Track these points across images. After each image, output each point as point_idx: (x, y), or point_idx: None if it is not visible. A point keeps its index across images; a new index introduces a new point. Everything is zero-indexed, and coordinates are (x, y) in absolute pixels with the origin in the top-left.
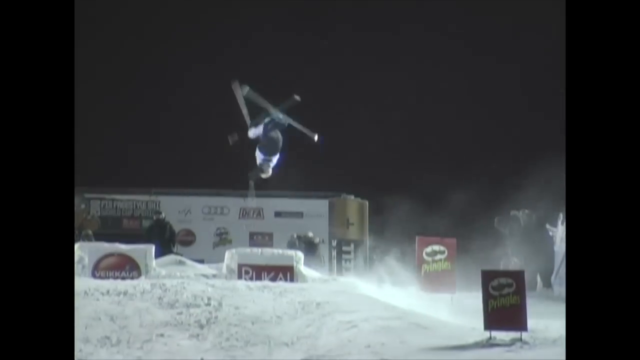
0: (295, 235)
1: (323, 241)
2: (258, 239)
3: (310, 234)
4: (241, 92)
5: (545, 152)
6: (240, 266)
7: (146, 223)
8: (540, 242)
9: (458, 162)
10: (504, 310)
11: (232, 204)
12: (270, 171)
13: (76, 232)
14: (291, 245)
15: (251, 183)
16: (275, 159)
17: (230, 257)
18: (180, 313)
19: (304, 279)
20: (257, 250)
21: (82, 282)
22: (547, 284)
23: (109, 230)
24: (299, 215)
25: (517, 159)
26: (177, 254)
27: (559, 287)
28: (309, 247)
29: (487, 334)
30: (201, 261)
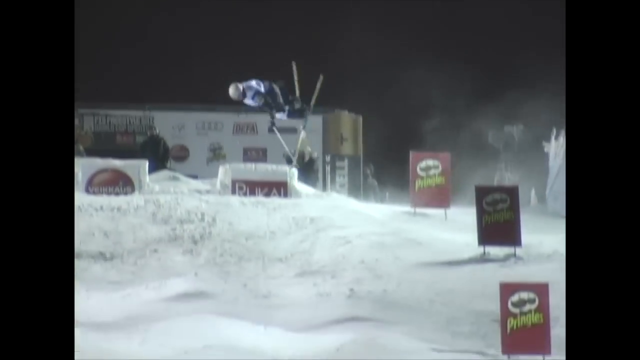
0: (289, 151)
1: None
2: (252, 154)
3: (309, 148)
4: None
5: (543, 68)
6: (234, 182)
7: (140, 139)
8: (534, 157)
9: (452, 76)
10: (498, 225)
11: (226, 119)
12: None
13: None
14: (288, 161)
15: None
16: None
17: (224, 172)
18: (174, 229)
19: (297, 194)
20: (251, 166)
21: (76, 198)
22: (541, 199)
23: (103, 146)
24: (293, 130)
25: (514, 74)
26: (170, 169)
27: (553, 203)
28: (307, 163)
29: (481, 249)
30: (195, 177)
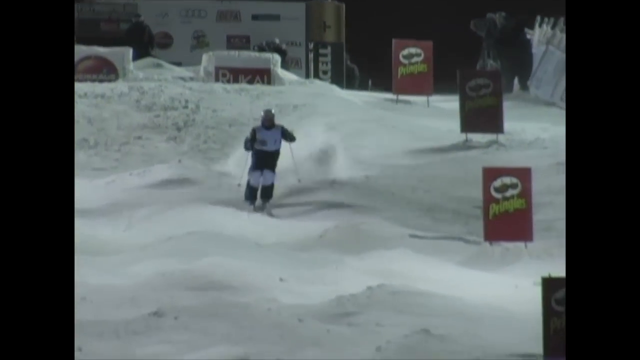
0: (264, 43)
1: (296, 44)
2: (235, 41)
3: (277, 41)
4: None
5: None
6: (217, 69)
7: (124, 26)
8: (517, 44)
9: None
10: (481, 111)
11: (210, 6)
12: None
13: None
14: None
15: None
16: None
17: (208, 59)
18: (157, 116)
19: (281, 81)
20: (234, 53)
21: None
22: (524, 86)
23: (87, 34)
24: (276, 18)
25: None
26: (154, 56)
27: (536, 90)
28: (278, 54)
29: (463, 136)
30: (179, 64)
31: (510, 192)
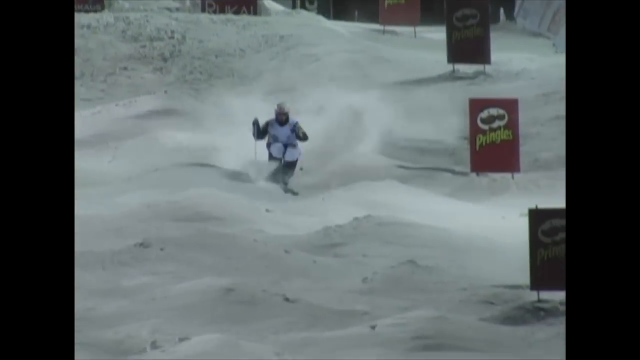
0: None
1: None
2: None
3: None
4: None
5: None
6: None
7: None
8: None
9: None
10: (468, 42)
11: None
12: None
13: None
14: None
15: None
16: None
17: None
18: (143, 46)
19: (267, 12)
20: None
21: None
22: (510, 16)
23: None
24: None
25: None
26: None
27: (523, 20)
28: None
29: (450, 67)
30: None
31: (497, 124)
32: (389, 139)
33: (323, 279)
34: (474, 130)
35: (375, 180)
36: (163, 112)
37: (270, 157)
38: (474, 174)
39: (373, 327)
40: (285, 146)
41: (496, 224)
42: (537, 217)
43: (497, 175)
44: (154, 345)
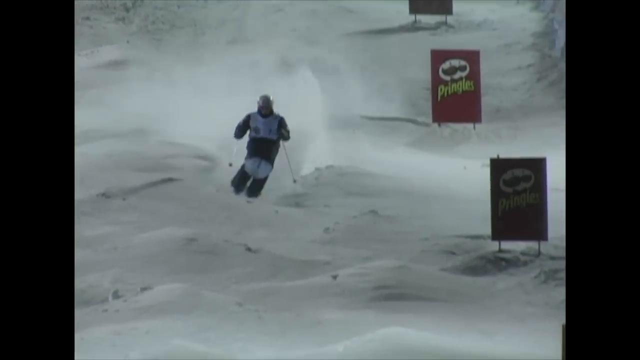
0: None
1: None
2: None
3: None
4: None
5: None
6: None
7: None
8: None
9: None
10: None
11: None
12: None
13: None
14: None
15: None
16: None
17: None
18: None
19: None
20: None
21: None
22: None
23: None
24: None
25: None
26: None
27: None
28: None
29: (412, 17)
30: None
31: (458, 75)
32: (350, 90)
33: (285, 229)
34: (436, 81)
35: (338, 130)
36: (126, 62)
37: (242, 170)
38: (435, 125)
39: (334, 277)
40: (260, 161)
41: (458, 174)
42: (498, 167)
43: (459, 126)
44: (116, 295)
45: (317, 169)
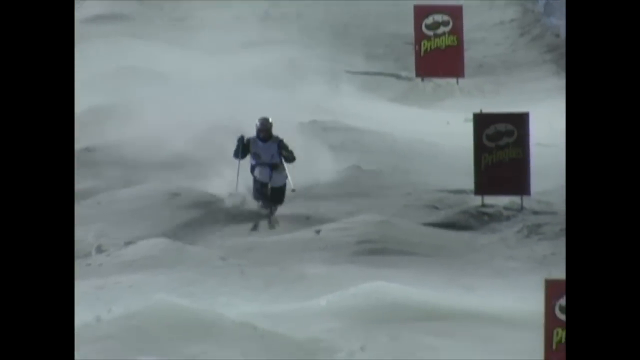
0: None
1: None
2: None
3: None
4: None
5: None
6: None
7: None
8: None
9: None
10: None
11: None
12: None
13: None
14: None
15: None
16: None
17: None
18: None
19: None
20: None
21: None
22: None
23: None
24: None
25: None
26: None
27: None
28: None
29: None
30: None
31: (441, 29)
32: (333, 45)
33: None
34: (419, 36)
35: (321, 84)
36: (108, 17)
37: (255, 181)
38: (418, 79)
39: (318, 232)
40: (271, 169)
41: (441, 129)
42: (481, 121)
43: (442, 81)
44: (100, 249)
45: (300, 124)
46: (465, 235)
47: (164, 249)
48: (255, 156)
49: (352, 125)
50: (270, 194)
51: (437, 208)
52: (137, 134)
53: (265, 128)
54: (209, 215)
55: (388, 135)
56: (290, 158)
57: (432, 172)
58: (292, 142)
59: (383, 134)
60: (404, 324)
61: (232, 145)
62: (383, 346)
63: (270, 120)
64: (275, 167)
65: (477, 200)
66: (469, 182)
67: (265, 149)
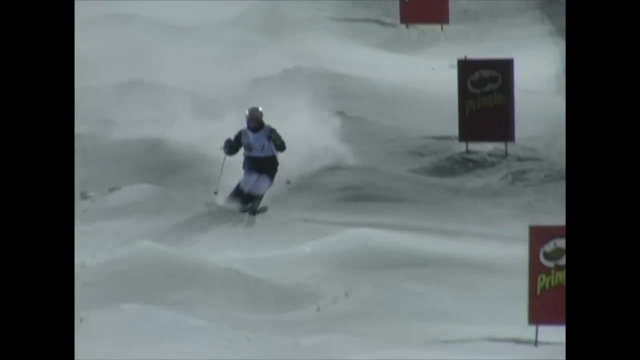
0: None
1: None
2: None
3: None
4: None
5: None
6: None
7: None
8: None
9: None
10: None
11: None
12: None
13: None
14: None
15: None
16: None
17: None
18: None
19: None
20: None
21: None
22: None
23: None
24: None
25: None
26: None
27: None
28: None
29: None
30: None
31: None
32: None
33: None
34: None
35: (305, 31)
36: None
37: (237, 189)
38: (403, 26)
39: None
40: (259, 175)
41: (425, 76)
42: (466, 68)
43: (427, 27)
44: (84, 196)
45: (284, 70)
46: (449, 181)
47: (149, 196)
48: (248, 147)
49: (336, 71)
50: (247, 198)
51: (421, 155)
52: (123, 79)
53: (254, 117)
54: (193, 161)
55: (373, 81)
56: (281, 147)
57: (416, 118)
58: (276, 87)
59: (367, 80)
60: (388, 270)
61: (223, 87)
62: (367, 292)
63: (260, 109)
64: (262, 170)
65: (461, 146)
66: (453, 129)
67: (256, 140)
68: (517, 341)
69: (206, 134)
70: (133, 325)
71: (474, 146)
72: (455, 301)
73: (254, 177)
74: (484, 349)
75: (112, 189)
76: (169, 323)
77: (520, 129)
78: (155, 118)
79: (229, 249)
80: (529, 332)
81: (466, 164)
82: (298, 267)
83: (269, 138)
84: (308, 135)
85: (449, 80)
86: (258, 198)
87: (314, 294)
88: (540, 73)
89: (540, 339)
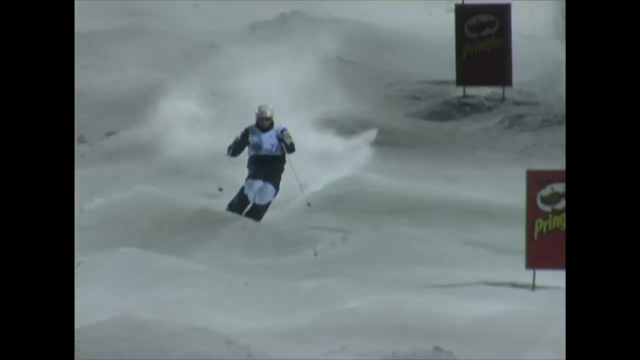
0: None
1: None
2: None
3: None
4: None
5: None
6: None
7: None
8: None
9: None
10: None
11: None
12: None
13: None
14: None
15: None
16: None
17: None
18: None
19: None
20: None
21: None
22: None
23: None
24: None
25: None
26: None
27: None
28: None
29: None
30: None
31: None
32: None
33: (249, 70)
34: None
35: None
36: None
37: (241, 193)
38: None
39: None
40: (263, 182)
41: (422, 20)
42: (463, 12)
43: None
44: (82, 140)
45: (282, 14)
46: (447, 125)
47: (146, 140)
48: (255, 147)
49: (333, 16)
50: (250, 209)
51: (419, 99)
52: (119, 26)
53: (264, 116)
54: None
55: (369, 25)
56: (291, 148)
57: (414, 63)
58: (273, 31)
59: (364, 24)
60: (385, 214)
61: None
62: (364, 236)
63: (270, 107)
64: (270, 179)
65: (459, 90)
66: (450, 73)
67: (266, 139)
68: (514, 285)
69: (204, 76)
70: (131, 269)
71: (471, 90)
72: (452, 245)
73: (259, 183)
74: (481, 293)
75: (109, 134)
76: (166, 267)
77: (518, 74)
78: (151, 62)
79: (228, 195)
80: (526, 276)
81: (463, 109)
82: (296, 212)
83: (279, 137)
84: (308, 82)
85: (446, 25)
86: (262, 207)
87: (312, 238)
88: (537, 17)
89: (537, 283)
